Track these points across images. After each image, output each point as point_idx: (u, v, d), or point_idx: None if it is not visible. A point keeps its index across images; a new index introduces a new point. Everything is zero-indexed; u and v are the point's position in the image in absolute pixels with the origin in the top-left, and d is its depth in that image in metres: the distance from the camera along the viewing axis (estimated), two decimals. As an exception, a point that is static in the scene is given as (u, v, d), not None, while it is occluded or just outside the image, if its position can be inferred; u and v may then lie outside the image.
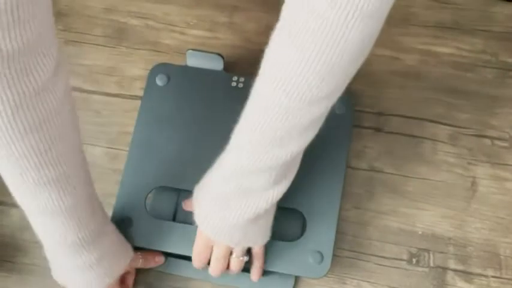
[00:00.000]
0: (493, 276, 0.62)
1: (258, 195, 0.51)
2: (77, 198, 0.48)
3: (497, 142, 0.67)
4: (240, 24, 0.73)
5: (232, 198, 0.51)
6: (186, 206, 0.60)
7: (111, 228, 0.56)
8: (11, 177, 0.46)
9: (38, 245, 0.64)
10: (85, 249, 0.52)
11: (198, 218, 0.55)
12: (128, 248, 0.58)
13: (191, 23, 0.74)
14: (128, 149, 0.64)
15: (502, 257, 0.63)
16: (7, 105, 0.38)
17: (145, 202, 0.61)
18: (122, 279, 0.60)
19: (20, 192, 0.47)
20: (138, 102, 0.66)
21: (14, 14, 0.33)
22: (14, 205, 0.66)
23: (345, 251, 0.63)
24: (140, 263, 0.60)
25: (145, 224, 0.60)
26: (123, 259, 0.57)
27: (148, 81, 0.66)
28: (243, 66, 0.70)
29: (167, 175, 0.62)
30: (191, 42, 0.73)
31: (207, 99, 0.65)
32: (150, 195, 0.62)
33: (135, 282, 0.63)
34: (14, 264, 0.64)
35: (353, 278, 0.62)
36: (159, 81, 0.66)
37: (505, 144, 0.67)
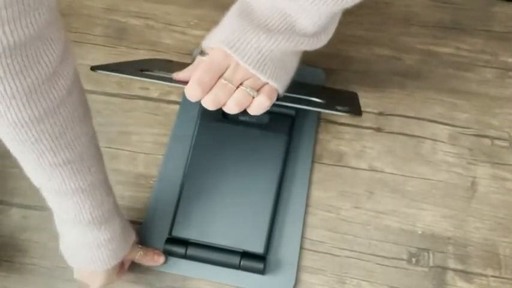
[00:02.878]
0: (492, 276, 0.62)
1: (301, 34, 0.51)
2: (92, 179, 0.50)
3: (497, 142, 0.67)
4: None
5: (275, 27, 0.50)
6: (176, 75, 0.52)
7: (121, 211, 0.57)
8: (27, 161, 0.47)
9: (37, 245, 0.65)
10: (96, 228, 0.52)
11: (218, 36, 0.50)
12: (132, 233, 0.58)
13: (191, 23, 0.74)
14: (127, 148, 0.64)
15: (501, 256, 0.63)
16: (21, 92, 0.39)
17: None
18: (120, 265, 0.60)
19: (36, 173, 0.48)
20: (138, 102, 0.66)
21: (24, 3, 0.35)
22: (14, 205, 0.67)
23: (345, 251, 0.63)
24: (138, 255, 0.60)
25: None
26: (128, 244, 0.57)
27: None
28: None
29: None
30: (191, 42, 0.73)
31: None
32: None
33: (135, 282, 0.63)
34: (13, 264, 0.64)
35: (353, 278, 0.62)
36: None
37: (505, 144, 0.67)
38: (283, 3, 0.49)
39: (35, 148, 0.45)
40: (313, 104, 0.53)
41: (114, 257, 0.55)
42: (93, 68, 0.53)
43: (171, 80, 0.52)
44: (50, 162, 0.46)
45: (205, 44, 0.52)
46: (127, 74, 0.53)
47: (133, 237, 0.59)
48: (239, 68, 0.49)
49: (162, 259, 0.62)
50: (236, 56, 0.49)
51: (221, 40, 0.49)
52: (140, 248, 0.60)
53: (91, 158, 0.50)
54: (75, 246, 0.54)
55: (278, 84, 0.50)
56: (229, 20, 0.51)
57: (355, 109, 0.55)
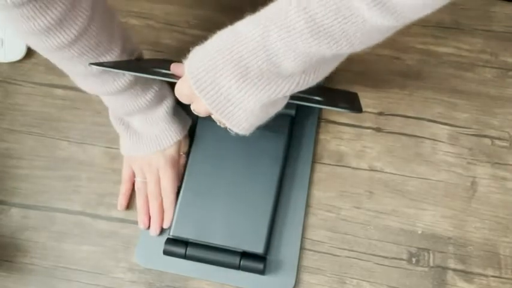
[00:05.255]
0: (492, 276, 0.62)
1: (286, 76, 0.45)
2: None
3: (497, 142, 0.67)
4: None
5: (256, 68, 0.44)
6: (174, 67, 0.54)
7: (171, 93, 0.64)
8: (79, 74, 0.57)
9: (37, 244, 0.65)
10: (155, 106, 0.62)
11: (195, 65, 0.46)
12: (187, 118, 0.67)
13: (191, 23, 0.74)
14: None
15: (501, 256, 0.62)
16: (53, 23, 0.49)
17: None
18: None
19: (88, 82, 0.59)
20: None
21: None
22: (14, 205, 0.67)
23: (345, 250, 0.63)
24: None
25: None
26: (186, 124, 0.66)
27: None
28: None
29: None
30: (191, 42, 0.73)
31: None
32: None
33: (135, 282, 0.63)
34: (13, 264, 0.64)
35: (353, 278, 0.62)
36: None
37: (505, 144, 0.67)
38: (272, 42, 0.43)
39: (82, 60, 0.54)
40: (313, 101, 0.53)
41: (176, 131, 0.64)
42: (90, 64, 0.54)
43: (169, 76, 0.52)
44: (97, 69, 0.55)
45: (186, 64, 0.48)
46: (124, 70, 0.55)
47: (189, 120, 0.67)
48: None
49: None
50: (204, 101, 0.46)
51: (193, 76, 0.46)
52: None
53: (132, 51, 0.59)
54: (141, 126, 0.64)
55: (241, 131, 0.49)
56: (210, 50, 0.45)
57: (355, 106, 0.55)
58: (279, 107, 0.49)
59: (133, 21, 0.74)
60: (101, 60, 0.56)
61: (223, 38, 0.45)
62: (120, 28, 0.58)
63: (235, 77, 0.44)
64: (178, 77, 0.51)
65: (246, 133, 0.49)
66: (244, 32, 0.43)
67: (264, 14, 0.43)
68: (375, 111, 0.69)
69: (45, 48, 0.53)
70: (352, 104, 0.57)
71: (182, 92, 0.50)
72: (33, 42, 0.53)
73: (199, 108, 0.50)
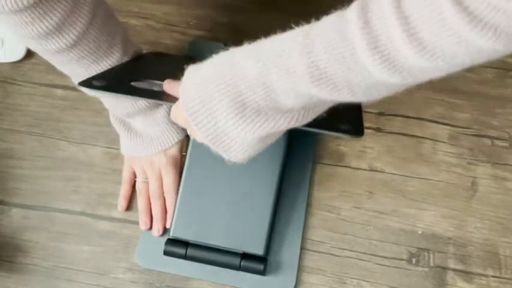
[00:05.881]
0: (492, 276, 0.62)
1: (285, 111, 0.43)
2: None
3: (497, 142, 0.67)
4: (240, 25, 0.73)
5: (254, 104, 0.42)
6: (168, 86, 0.51)
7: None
8: (78, 75, 0.57)
9: (38, 245, 0.65)
10: (155, 106, 0.63)
11: (191, 105, 0.44)
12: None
13: (191, 23, 0.74)
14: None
15: (501, 256, 0.63)
16: (52, 28, 0.50)
17: None
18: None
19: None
20: (138, 102, 0.66)
21: None
22: (15, 205, 0.67)
23: (345, 250, 0.63)
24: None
25: None
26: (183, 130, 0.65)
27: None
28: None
29: None
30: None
31: None
32: None
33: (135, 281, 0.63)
34: (14, 264, 0.64)
35: (353, 278, 0.62)
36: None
37: (505, 144, 0.67)
38: (272, 81, 0.40)
39: (81, 63, 0.55)
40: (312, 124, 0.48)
41: (178, 131, 0.64)
42: (80, 84, 0.52)
43: (162, 97, 0.51)
44: (96, 71, 0.56)
45: (181, 91, 0.45)
46: (114, 92, 0.52)
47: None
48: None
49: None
50: (200, 133, 0.45)
51: (188, 108, 0.44)
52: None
53: (134, 54, 0.60)
54: (145, 128, 0.64)
55: (238, 161, 0.47)
56: (206, 80, 0.43)
57: (356, 128, 0.51)
58: (277, 136, 0.47)
59: (133, 22, 0.74)
60: (101, 65, 0.56)
61: (220, 68, 0.42)
62: (121, 31, 0.59)
63: (232, 113, 0.42)
64: (172, 98, 0.49)
65: (243, 162, 0.47)
66: (243, 66, 0.41)
67: (266, 49, 0.41)
68: (375, 111, 0.69)
69: (44, 51, 0.53)
70: (353, 123, 0.54)
71: (177, 119, 0.48)
72: (32, 45, 0.53)
73: (194, 136, 0.48)
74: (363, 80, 0.37)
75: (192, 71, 0.45)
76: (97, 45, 0.54)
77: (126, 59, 0.58)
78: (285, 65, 0.39)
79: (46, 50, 0.53)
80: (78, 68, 0.56)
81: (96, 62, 0.56)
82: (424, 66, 0.35)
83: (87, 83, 0.52)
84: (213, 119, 0.43)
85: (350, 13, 0.35)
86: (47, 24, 0.49)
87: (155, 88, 0.53)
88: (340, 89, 0.38)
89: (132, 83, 0.54)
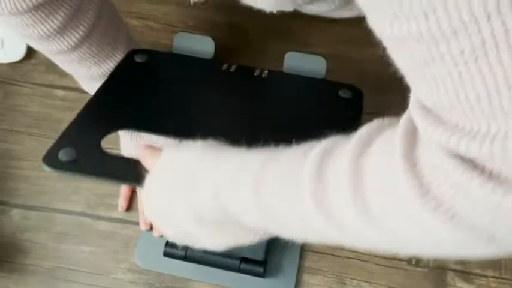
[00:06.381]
0: (492, 277, 0.62)
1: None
2: None
3: (497, 142, 0.67)
4: (240, 25, 0.73)
5: (210, 219, 0.42)
6: (143, 152, 0.47)
7: None
8: (81, 77, 0.59)
9: (38, 245, 0.65)
10: None
11: (155, 215, 0.45)
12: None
13: (190, 24, 0.74)
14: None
15: (501, 257, 0.62)
16: (55, 30, 0.49)
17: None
18: None
19: (90, 84, 0.60)
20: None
21: None
22: (15, 206, 0.67)
23: (345, 251, 0.63)
24: None
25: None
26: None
27: (122, 60, 0.58)
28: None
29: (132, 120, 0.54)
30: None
31: (192, 81, 0.59)
32: None
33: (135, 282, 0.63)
34: (14, 264, 0.64)
35: (353, 278, 0.62)
36: (138, 59, 0.59)
37: (505, 144, 0.67)
38: (226, 202, 0.39)
39: (83, 64, 0.55)
40: None
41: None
42: (44, 163, 0.47)
43: (133, 174, 0.46)
44: (98, 73, 0.56)
45: (144, 200, 0.45)
46: (84, 173, 0.47)
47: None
48: None
49: None
50: (169, 234, 0.46)
51: (153, 216, 0.45)
52: None
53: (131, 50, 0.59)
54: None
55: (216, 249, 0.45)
56: (167, 193, 0.43)
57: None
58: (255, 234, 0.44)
59: (134, 22, 0.74)
60: (103, 67, 0.56)
61: (179, 180, 0.42)
62: (124, 33, 0.59)
63: (194, 222, 0.42)
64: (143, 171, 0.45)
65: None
66: (200, 186, 0.40)
67: (224, 169, 0.40)
68: (375, 111, 0.69)
69: (45, 51, 0.53)
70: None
71: (148, 218, 0.51)
72: (34, 44, 0.53)
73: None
74: (306, 227, 0.36)
75: (152, 179, 0.43)
76: (99, 48, 0.54)
77: None
78: (236, 195, 0.38)
79: (47, 51, 0.53)
80: (79, 68, 0.56)
81: (97, 64, 0.56)
82: (369, 236, 0.32)
83: (51, 159, 0.47)
84: (178, 226, 0.43)
85: (307, 167, 0.34)
86: (48, 27, 0.49)
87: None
88: (282, 227, 0.38)
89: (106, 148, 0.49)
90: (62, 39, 0.51)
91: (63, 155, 0.46)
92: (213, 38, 0.66)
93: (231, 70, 0.61)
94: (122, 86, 0.56)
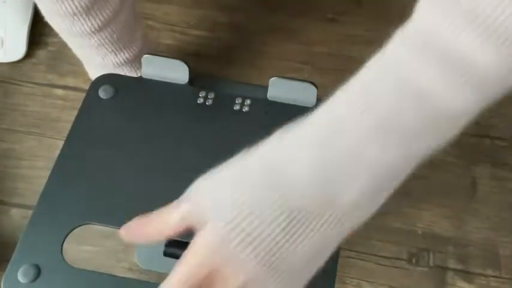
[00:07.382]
0: (492, 276, 0.62)
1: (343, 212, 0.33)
2: None
3: (497, 142, 0.67)
4: (240, 25, 0.73)
5: (307, 209, 0.32)
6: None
7: None
8: (95, 65, 0.60)
9: (37, 245, 0.65)
10: None
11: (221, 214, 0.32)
12: None
13: (191, 23, 0.74)
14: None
15: (501, 256, 0.63)
16: (81, 10, 0.50)
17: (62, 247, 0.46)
18: None
19: (98, 71, 0.60)
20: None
21: None
22: (14, 205, 0.67)
23: (345, 251, 0.63)
24: None
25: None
26: None
27: (87, 94, 0.51)
28: (242, 67, 0.69)
29: (96, 210, 0.48)
30: (191, 43, 0.73)
31: (164, 117, 0.50)
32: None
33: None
34: (13, 264, 0.64)
35: (353, 278, 0.62)
36: (103, 93, 0.51)
37: (505, 144, 0.67)
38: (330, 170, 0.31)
39: (100, 51, 0.56)
40: None
41: None
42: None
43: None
44: (113, 62, 0.58)
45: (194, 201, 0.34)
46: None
47: None
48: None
49: None
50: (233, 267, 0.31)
51: (224, 232, 0.32)
52: None
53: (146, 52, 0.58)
54: None
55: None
56: (243, 192, 0.33)
57: None
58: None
59: (133, 22, 0.74)
60: (119, 56, 0.58)
61: (259, 182, 0.32)
62: (142, 29, 0.60)
63: (275, 232, 0.32)
64: None
65: None
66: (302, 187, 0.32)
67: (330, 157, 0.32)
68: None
69: (67, 31, 0.53)
70: None
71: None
72: (57, 23, 0.53)
73: None
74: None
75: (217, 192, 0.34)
76: (119, 36, 0.55)
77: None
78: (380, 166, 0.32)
79: (70, 31, 0.53)
80: (95, 55, 0.57)
81: (114, 52, 0.57)
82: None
83: (10, 283, 0.39)
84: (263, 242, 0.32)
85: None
86: (76, 4, 0.49)
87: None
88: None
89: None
90: (86, 19, 0.51)
91: (23, 276, 0.39)
92: (187, 63, 0.52)
93: (208, 103, 0.51)
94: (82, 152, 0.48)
